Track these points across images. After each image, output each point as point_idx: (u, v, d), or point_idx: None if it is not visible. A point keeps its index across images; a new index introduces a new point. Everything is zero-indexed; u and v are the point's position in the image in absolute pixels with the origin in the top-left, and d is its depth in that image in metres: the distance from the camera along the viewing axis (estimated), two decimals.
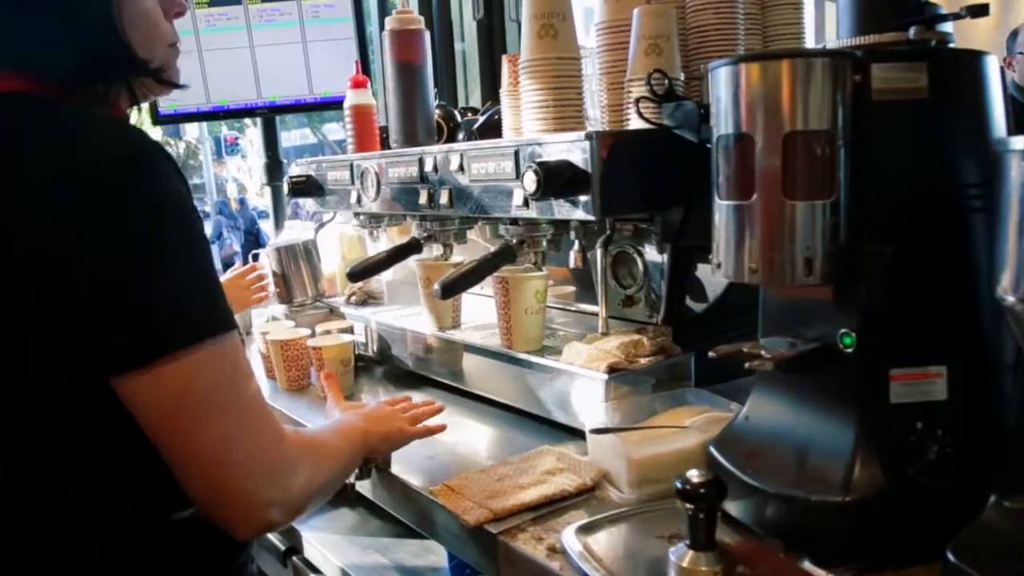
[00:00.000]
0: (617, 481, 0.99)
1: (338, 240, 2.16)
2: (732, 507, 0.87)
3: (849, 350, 0.78)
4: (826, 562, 0.76)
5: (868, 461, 0.76)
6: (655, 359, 1.15)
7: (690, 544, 0.76)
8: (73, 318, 0.69)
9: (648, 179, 1.10)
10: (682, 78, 1.18)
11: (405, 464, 1.12)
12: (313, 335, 1.57)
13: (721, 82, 0.79)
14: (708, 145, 1.09)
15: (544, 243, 1.25)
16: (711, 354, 0.82)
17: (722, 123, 0.78)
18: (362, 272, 1.47)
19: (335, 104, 2.06)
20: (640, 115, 1.12)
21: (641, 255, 1.24)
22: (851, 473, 0.76)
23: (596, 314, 1.35)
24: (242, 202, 11.43)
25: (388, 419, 1.09)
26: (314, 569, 1.30)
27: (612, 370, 1.10)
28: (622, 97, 1.24)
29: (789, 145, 0.74)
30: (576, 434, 1.15)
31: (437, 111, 1.65)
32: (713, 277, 0.83)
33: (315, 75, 2.11)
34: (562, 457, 1.07)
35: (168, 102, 2.10)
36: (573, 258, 1.20)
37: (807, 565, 0.77)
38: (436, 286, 1.18)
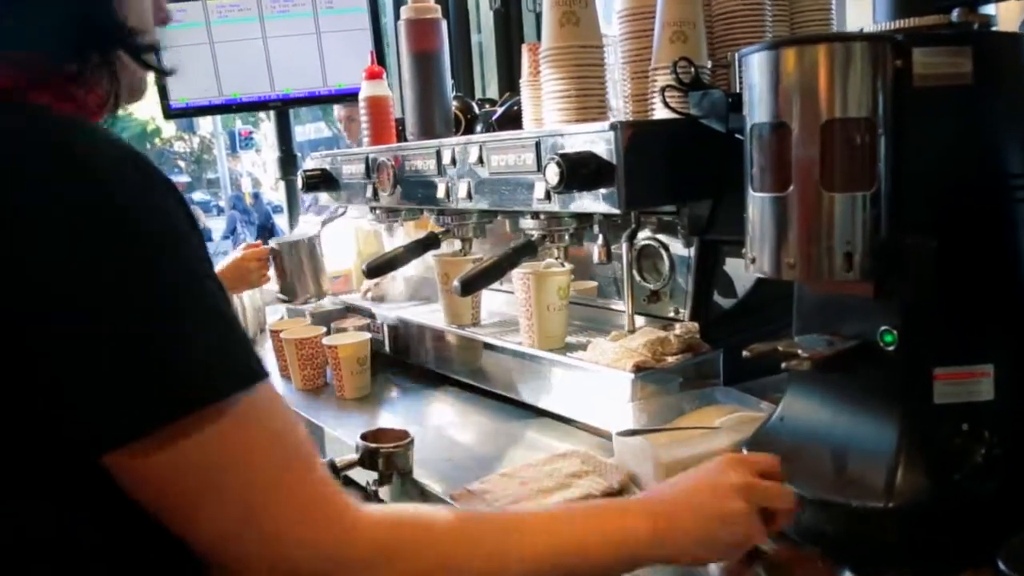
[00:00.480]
0: (645, 484, 0.96)
1: (354, 235, 2.13)
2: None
3: (890, 348, 0.74)
4: (868, 571, 0.73)
5: (912, 465, 0.73)
6: (682, 357, 1.11)
7: None
8: (48, 382, 0.51)
9: (674, 170, 1.07)
10: (708, 66, 1.14)
11: (425, 467, 1.09)
12: (328, 333, 1.55)
13: (755, 68, 0.75)
14: (737, 135, 1.06)
15: (567, 237, 1.22)
16: (745, 353, 0.79)
17: (756, 111, 0.75)
18: (379, 268, 1.45)
19: (350, 96, 2.03)
20: (666, 104, 1.08)
21: (667, 249, 1.20)
22: (894, 478, 0.73)
23: (619, 310, 1.33)
24: (256, 196, 11.47)
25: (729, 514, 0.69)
26: None
27: (639, 369, 1.07)
28: (646, 87, 1.20)
29: (827, 134, 0.70)
30: (601, 435, 1.12)
31: (454, 103, 1.62)
32: (747, 273, 0.79)
33: (329, 67, 2.08)
34: (587, 459, 1.04)
35: (180, 95, 2.08)
36: (597, 253, 1.17)
37: (848, 575, 0.74)
38: (455, 282, 1.15)
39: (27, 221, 0.50)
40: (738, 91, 1.10)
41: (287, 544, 0.54)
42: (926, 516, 0.72)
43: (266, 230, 9.26)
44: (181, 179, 19.23)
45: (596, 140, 1.03)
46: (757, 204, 0.75)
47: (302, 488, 0.56)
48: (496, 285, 1.58)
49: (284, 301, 1.84)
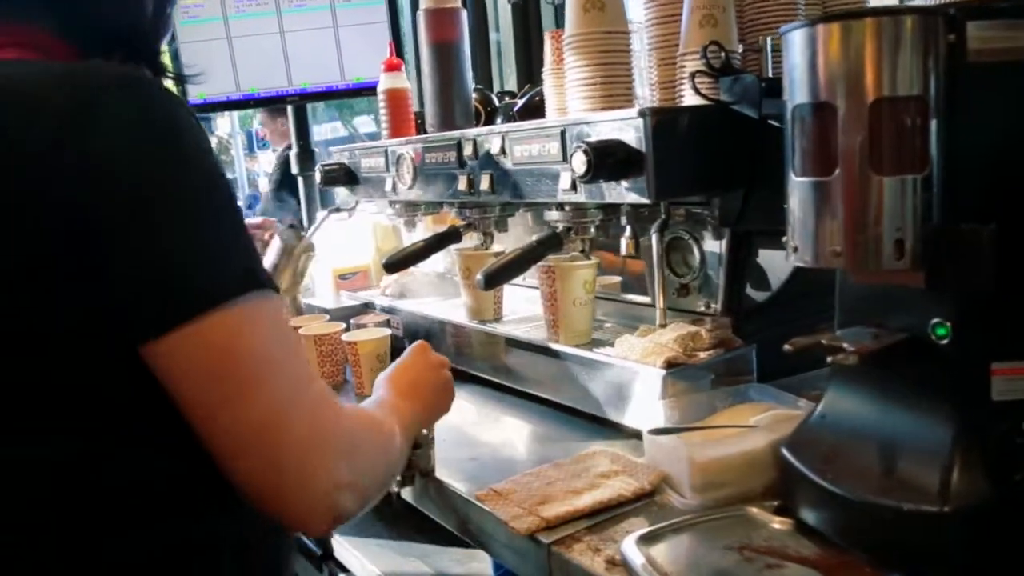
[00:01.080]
0: (678, 485, 0.92)
1: (372, 231, 2.10)
2: (809, 516, 0.79)
3: (943, 342, 0.70)
4: None
5: (968, 466, 0.68)
6: (714, 352, 1.07)
7: None
8: (100, 274, 0.59)
9: (705, 159, 1.02)
10: (740, 50, 1.09)
11: (447, 467, 1.06)
12: (348, 330, 1.52)
13: (796, 47, 0.71)
14: (770, 121, 1.02)
15: (592, 230, 1.18)
16: (787, 347, 0.74)
17: (797, 92, 0.70)
18: (399, 263, 1.41)
19: (368, 90, 2.00)
20: (696, 90, 1.04)
21: (697, 241, 1.16)
22: (949, 480, 0.68)
23: (646, 304, 1.29)
24: None
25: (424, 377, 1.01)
26: (348, 573, 1.25)
27: (670, 365, 1.03)
28: (674, 73, 1.16)
29: (875, 114, 0.66)
30: (629, 433, 1.08)
31: (474, 95, 1.58)
32: (788, 262, 0.75)
33: (347, 61, 2.05)
34: (616, 459, 1.00)
35: (198, 91, 2.05)
36: (625, 245, 1.13)
37: None
38: (478, 276, 1.12)
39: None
40: (771, 76, 1.06)
41: (322, 428, 0.66)
42: (984, 520, 0.68)
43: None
44: None
45: (624, 127, 0.99)
46: (799, 190, 0.71)
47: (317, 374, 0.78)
48: (519, 280, 1.54)
49: None
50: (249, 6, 1.99)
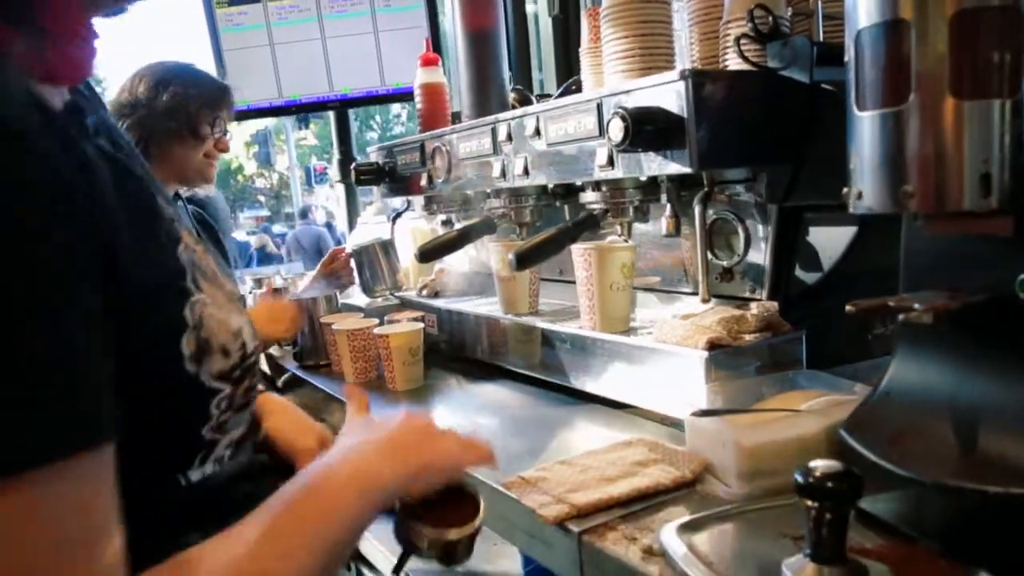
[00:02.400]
0: (723, 474, 0.83)
1: (411, 235, 2.08)
2: (871, 503, 0.70)
3: None
4: (1009, 571, 0.59)
5: None
6: (761, 336, 0.99)
7: (811, 555, 0.61)
8: None
9: (752, 127, 0.95)
10: (788, 14, 1.03)
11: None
12: (382, 324, 1.47)
13: None
14: (823, 85, 0.94)
15: (631, 212, 1.12)
16: (848, 308, 0.66)
17: (862, 14, 0.63)
18: (433, 251, 1.37)
19: (407, 95, 1.98)
20: (742, 55, 0.97)
21: (741, 221, 1.08)
22: None
23: (687, 292, 1.21)
24: (329, 227, 11.74)
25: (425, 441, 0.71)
26: (375, 570, 1.18)
27: (713, 346, 0.95)
28: (716, 49, 1.09)
29: (958, 28, 0.57)
30: (671, 423, 1.00)
31: (512, 94, 1.54)
32: (851, 210, 0.67)
33: (387, 66, 2.04)
34: (655, 447, 0.93)
35: (240, 98, 2.06)
36: (665, 224, 1.06)
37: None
38: (510, 256, 1.06)
39: None
40: (822, 39, 0.99)
41: None
42: None
43: None
44: (261, 213, 20.10)
45: (664, 93, 0.93)
46: (864, 126, 0.63)
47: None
48: (556, 274, 1.48)
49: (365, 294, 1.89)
50: (291, 12, 1.99)
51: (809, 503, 0.59)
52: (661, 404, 1.02)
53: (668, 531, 0.73)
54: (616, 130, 0.93)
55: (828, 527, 0.59)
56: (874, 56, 0.62)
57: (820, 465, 0.60)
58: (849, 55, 0.64)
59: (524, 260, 1.06)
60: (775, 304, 1.03)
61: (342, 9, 1.99)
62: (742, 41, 0.97)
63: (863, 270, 0.94)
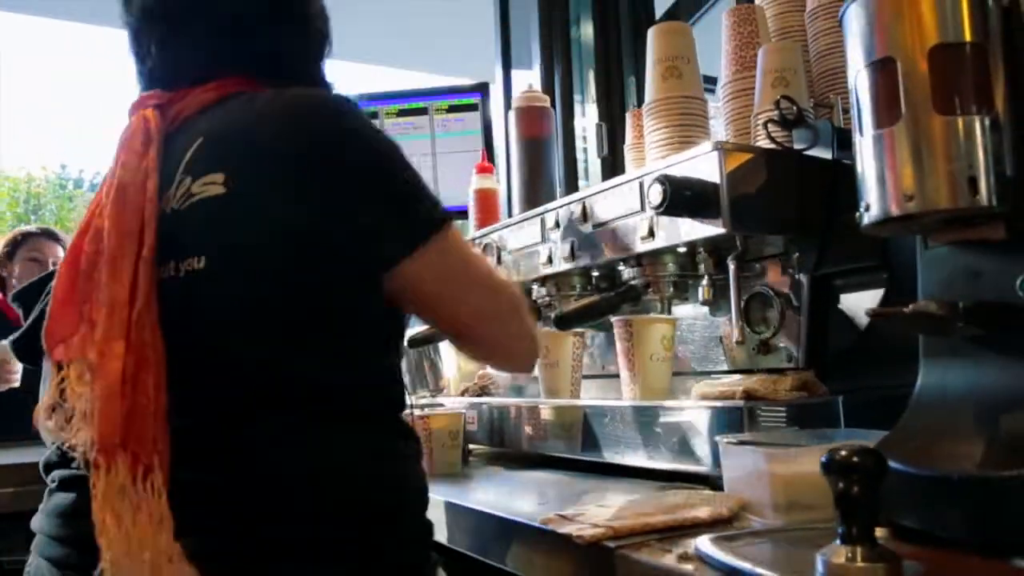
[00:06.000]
0: (759, 508, 0.85)
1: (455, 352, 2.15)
2: (904, 516, 0.72)
3: None
4: None
5: None
6: (798, 395, 1.02)
7: (841, 536, 0.62)
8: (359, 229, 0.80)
9: (780, 197, 1.04)
10: (811, 105, 1.14)
11: (507, 510, 1.01)
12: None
13: (852, 18, 0.74)
14: (845, 161, 1.04)
15: (670, 288, 1.19)
16: (867, 312, 0.71)
17: (862, 57, 0.73)
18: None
19: (462, 214, 2.13)
20: (769, 137, 1.08)
21: (777, 294, 1.14)
22: None
23: (723, 371, 1.25)
24: None
25: None
26: None
27: (749, 397, 0.98)
28: (748, 139, 1.21)
29: (936, 59, 0.67)
30: (713, 485, 1.02)
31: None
32: (862, 227, 0.74)
33: (443, 186, 2.20)
34: (694, 495, 0.94)
35: None
36: (702, 292, 1.12)
37: (1018, 562, 0.61)
38: (552, 316, 1.13)
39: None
40: (842, 126, 1.09)
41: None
42: None
43: None
44: None
45: (700, 163, 1.03)
46: (866, 146, 0.71)
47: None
48: (597, 369, 1.53)
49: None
50: None
51: (837, 481, 0.62)
52: (700, 465, 1.03)
53: (703, 541, 0.74)
54: (656, 194, 1.02)
55: (856, 503, 0.61)
56: (871, 88, 0.71)
57: (845, 445, 0.63)
58: (851, 94, 0.74)
59: (565, 321, 1.13)
60: (811, 373, 1.07)
61: (404, 131, 2.19)
62: (770, 126, 1.08)
63: (895, 338, 0.99)
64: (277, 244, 0.77)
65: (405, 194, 0.83)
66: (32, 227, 2.91)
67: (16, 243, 2.72)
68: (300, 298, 0.78)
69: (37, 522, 0.86)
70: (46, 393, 0.77)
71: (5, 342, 2.66)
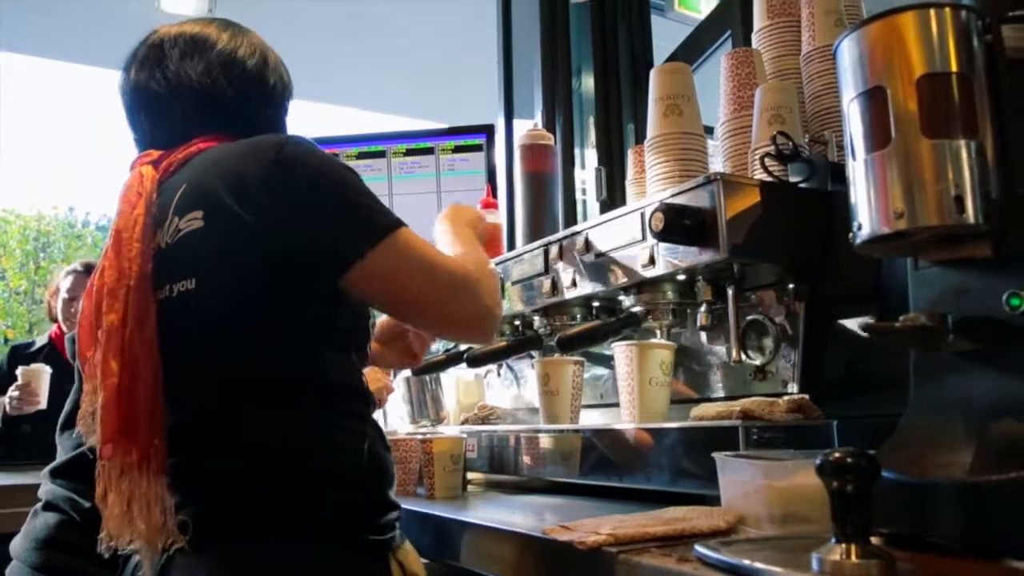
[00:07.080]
0: (756, 521, 0.87)
1: (455, 384, 2.16)
2: (899, 526, 0.74)
3: (1020, 312, 0.70)
4: None
5: None
6: (793, 417, 1.05)
7: (836, 535, 0.65)
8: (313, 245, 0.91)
9: (776, 226, 1.09)
10: (806, 141, 1.19)
11: (509, 524, 1.03)
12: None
13: (846, 52, 0.79)
14: (840, 188, 1.08)
15: (669, 316, 1.22)
16: (861, 326, 0.75)
17: (854, 86, 0.78)
18: (481, 358, 1.46)
19: None
20: (765, 169, 1.13)
21: (772, 322, 1.18)
22: None
23: (721, 398, 1.28)
24: None
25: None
26: None
27: (746, 416, 1.01)
28: (746, 174, 1.26)
29: (923, 87, 0.72)
30: (709, 504, 1.04)
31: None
32: (855, 246, 0.78)
33: None
34: (692, 509, 0.96)
35: None
36: (700, 318, 1.16)
37: (1014, 563, 0.64)
38: (555, 341, 1.16)
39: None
40: (837, 161, 1.15)
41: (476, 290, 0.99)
42: None
43: None
44: None
45: (699, 194, 1.08)
46: (858, 169, 0.76)
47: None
48: (597, 399, 1.56)
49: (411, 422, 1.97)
50: (364, 171, 2.25)
51: (831, 481, 0.65)
52: (698, 484, 1.06)
53: (702, 545, 0.76)
54: (657, 222, 1.07)
55: (850, 502, 0.64)
56: (863, 115, 0.76)
57: (839, 449, 0.66)
58: (844, 122, 0.79)
59: (567, 344, 1.16)
60: (806, 396, 1.10)
61: (411, 171, 2.25)
62: (767, 160, 1.13)
63: (889, 365, 1.02)
64: (249, 262, 0.91)
65: (354, 205, 0.93)
66: (77, 264, 2.96)
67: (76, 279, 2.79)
68: (272, 305, 0.92)
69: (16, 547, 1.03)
70: (83, 400, 0.95)
71: (35, 366, 2.68)
